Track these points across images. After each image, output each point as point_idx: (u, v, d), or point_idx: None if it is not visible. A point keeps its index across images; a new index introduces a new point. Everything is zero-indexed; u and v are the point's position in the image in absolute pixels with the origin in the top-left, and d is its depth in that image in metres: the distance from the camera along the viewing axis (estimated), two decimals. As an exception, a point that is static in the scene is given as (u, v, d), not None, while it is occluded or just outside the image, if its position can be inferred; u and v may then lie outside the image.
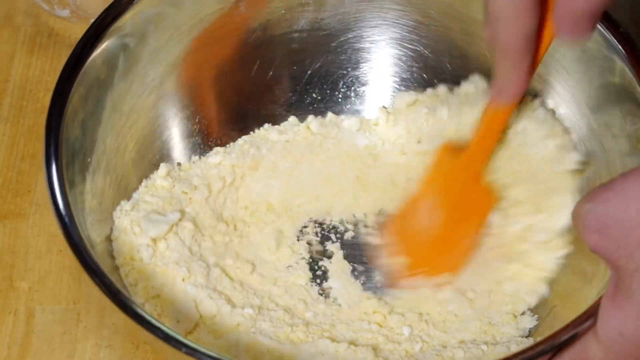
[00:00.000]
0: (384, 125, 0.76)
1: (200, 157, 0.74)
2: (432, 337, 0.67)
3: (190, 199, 0.71)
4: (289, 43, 0.76)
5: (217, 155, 0.74)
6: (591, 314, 0.54)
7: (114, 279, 0.57)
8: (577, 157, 0.69)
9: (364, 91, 0.78)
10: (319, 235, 0.73)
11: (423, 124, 0.74)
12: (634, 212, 0.48)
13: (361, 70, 0.78)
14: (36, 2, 0.86)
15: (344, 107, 0.78)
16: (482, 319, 0.67)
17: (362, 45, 0.77)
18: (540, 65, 0.70)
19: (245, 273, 0.70)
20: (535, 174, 0.70)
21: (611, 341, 0.51)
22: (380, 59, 0.77)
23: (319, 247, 0.73)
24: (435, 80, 0.76)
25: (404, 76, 0.77)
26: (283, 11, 0.74)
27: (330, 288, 0.70)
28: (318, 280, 0.71)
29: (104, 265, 0.58)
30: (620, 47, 0.66)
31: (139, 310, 0.55)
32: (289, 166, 0.74)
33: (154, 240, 0.67)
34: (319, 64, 0.77)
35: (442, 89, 0.75)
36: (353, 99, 0.78)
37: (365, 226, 0.74)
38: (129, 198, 0.69)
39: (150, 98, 0.71)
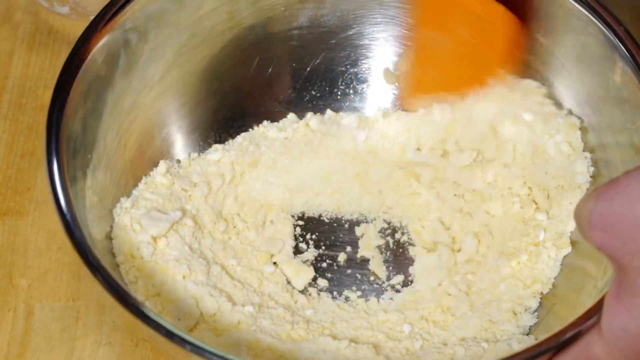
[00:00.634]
0: (383, 123, 0.76)
1: (199, 154, 0.74)
2: (432, 335, 0.67)
3: (189, 196, 0.71)
4: (289, 40, 0.76)
5: (216, 152, 0.74)
6: (594, 312, 0.54)
7: (115, 277, 0.57)
8: (586, 161, 0.69)
9: (363, 88, 0.78)
10: (318, 232, 0.73)
11: (421, 123, 0.74)
12: (639, 210, 0.48)
13: (360, 67, 0.78)
14: (35, 0, 0.86)
15: (343, 105, 0.78)
16: (482, 317, 0.67)
17: (361, 43, 0.77)
18: (541, 64, 0.71)
19: (245, 271, 0.69)
20: (542, 171, 0.70)
21: (615, 338, 0.51)
22: (380, 56, 0.77)
23: (319, 244, 0.73)
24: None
25: (403, 73, 0.77)
26: (283, 8, 0.75)
27: (331, 285, 0.70)
28: (318, 278, 0.71)
29: (105, 263, 0.58)
30: (621, 45, 0.66)
31: (143, 308, 0.55)
32: (288, 163, 0.74)
33: (154, 237, 0.67)
34: (318, 61, 0.77)
35: None
36: (352, 96, 0.78)
37: (365, 222, 0.74)
38: (128, 195, 0.69)
39: (150, 95, 0.71)
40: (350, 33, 0.76)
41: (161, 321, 0.54)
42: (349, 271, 0.72)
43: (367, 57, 0.77)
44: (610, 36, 0.66)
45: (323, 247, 0.73)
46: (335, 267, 0.72)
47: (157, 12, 0.69)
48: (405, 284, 0.71)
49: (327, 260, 0.72)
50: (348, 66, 0.77)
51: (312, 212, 0.74)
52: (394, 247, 0.73)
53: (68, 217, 0.58)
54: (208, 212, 0.71)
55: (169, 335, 0.54)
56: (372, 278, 0.71)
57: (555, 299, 0.67)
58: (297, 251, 0.72)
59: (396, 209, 0.74)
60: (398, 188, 0.74)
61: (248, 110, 0.76)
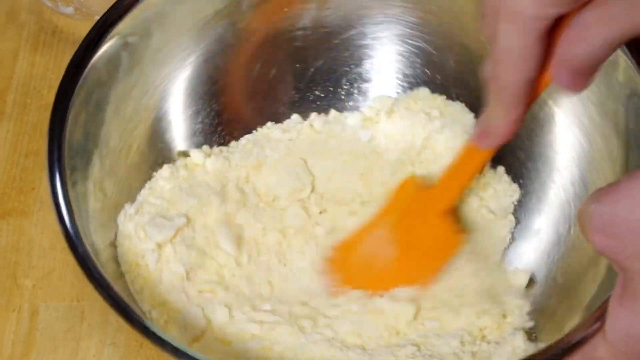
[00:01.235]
0: (387, 122, 0.76)
1: (203, 157, 0.73)
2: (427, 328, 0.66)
3: (194, 200, 0.70)
4: (292, 41, 0.76)
5: (219, 155, 0.74)
6: (599, 316, 0.54)
7: (120, 286, 0.57)
8: None
9: (367, 88, 0.78)
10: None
11: (424, 123, 0.75)
12: None
13: (364, 67, 0.78)
14: (40, 0, 0.86)
15: (347, 105, 0.78)
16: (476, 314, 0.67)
17: (364, 42, 0.77)
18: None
19: (253, 278, 0.69)
20: None
21: (619, 342, 0.51)
22: (383, 56, 0.77)
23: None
24: (438, 77, 0.76)
25: (407, 72, 0.77)
26: (285, 9, 0.74)
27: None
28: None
29: (109, 272, 0.58)
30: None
31: (145, 322, 0.55)
32: (292, 164, 0.74)
33: (159, 245, 0.67)
34: (321, 61, 0.77)
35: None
36: (356, 96, 0.78)
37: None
38: (132, 200, 0.69)
39: (153, 98, 0.71)
40: (353, 33, 0.76)
41: (165, 337, 0.54)
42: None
43: (370, 57, 0.77)
44: None
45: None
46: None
47: (160, 15, 0.69)
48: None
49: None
50: (351, 66, 0.77)
51: (317, 212, 0.74)
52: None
53: (70, 231, 0.59)
54: (213, 216, 0.70)
55: (174, 351, 0.54)
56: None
57: (551, 300, 0.68)
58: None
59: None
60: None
61: (251, 112, 0.76)
